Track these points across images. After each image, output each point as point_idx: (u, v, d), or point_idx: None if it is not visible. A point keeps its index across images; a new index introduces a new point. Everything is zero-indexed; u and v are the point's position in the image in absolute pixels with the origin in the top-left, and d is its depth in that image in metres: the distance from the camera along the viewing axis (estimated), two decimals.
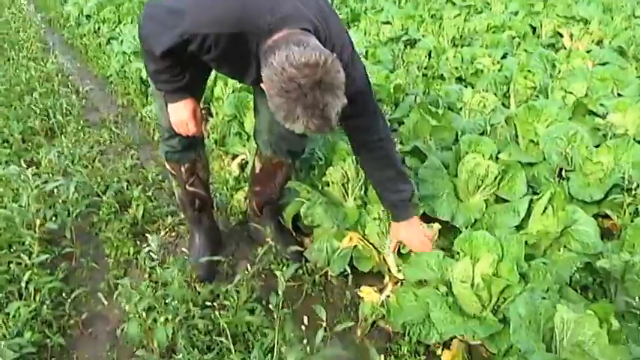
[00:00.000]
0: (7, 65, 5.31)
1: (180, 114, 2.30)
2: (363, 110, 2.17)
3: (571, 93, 4.18)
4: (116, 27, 6.25)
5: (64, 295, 2.55)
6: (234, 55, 1.96)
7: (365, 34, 5.91)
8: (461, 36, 5.96)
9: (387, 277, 2.60)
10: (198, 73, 2.31)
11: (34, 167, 3.45)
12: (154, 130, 4.12)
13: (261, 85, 1.77)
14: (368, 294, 2.55)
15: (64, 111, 4.32)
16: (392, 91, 3.85)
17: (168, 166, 2.65)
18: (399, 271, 2.53)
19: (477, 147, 3.08)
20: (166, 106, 2.34)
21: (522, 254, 2.34)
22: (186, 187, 2.66)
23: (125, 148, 3.98)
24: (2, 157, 3.63)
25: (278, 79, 1.64)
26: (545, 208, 2.73)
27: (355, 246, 2.63)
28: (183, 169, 2.61)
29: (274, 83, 1.66)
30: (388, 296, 2.47)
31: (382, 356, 2.20)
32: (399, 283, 2.52)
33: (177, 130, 2.37)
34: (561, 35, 6.27)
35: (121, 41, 5.54)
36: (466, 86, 4.40)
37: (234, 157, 3.54)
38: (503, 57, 5.21)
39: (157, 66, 2.16)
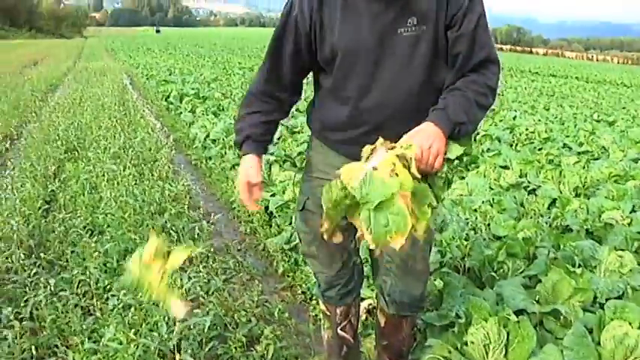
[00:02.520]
0: (143, 184, 5.62)
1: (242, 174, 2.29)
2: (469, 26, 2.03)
3: None
4: None
5: None
6: None
7: (484, 177, 5.92)
8: (583, 185, 5.85)
9: None
10: None
11: None
12: (277, 262, 4.18)
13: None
14: None
15: (195, 236, 4.48)
16: (523, 244, 3.78)
17: (322, 307, 2.65)
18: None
19: (623, 314, 2.92)
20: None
21: None
22: (338, 330, 2.63)
23: (250, 278, 4.03)
24: None
25: None
26: None
27: None
28: (338, 310, 2.59)
29: None
30: None
31: None
32: None
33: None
34: None
35: None
36: (597, 241, 4.26)
37: (361, 300, 3.51)
38: (632, 210, 5.05)
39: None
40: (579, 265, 3.65)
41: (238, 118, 2.32)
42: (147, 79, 16.66)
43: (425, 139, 1.89)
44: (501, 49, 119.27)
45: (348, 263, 2.51)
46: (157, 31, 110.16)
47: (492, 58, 2.10)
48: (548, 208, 5.20)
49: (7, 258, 3.89)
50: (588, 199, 5.40)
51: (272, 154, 6.28)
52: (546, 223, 4.72)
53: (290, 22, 2.13)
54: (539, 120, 11.71)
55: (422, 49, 2.04)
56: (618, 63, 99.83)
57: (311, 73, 2.31)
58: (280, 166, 5.72)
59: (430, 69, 2.08)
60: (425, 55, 2.05)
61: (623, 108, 17.71)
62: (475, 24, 2.03)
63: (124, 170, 5.91)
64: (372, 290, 3.45)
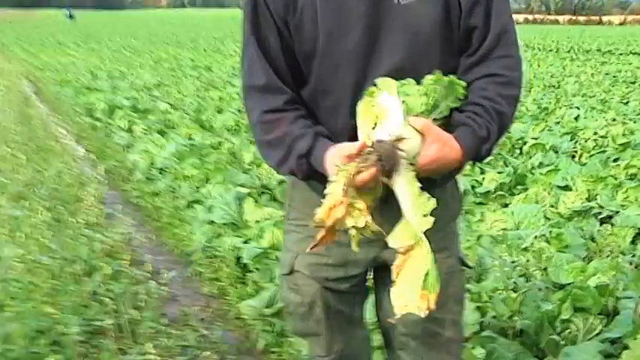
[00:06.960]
0: (61, 235, 5.64)
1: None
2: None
3: None
4: (202, 187, 6.61)
5: None
6: None
7: (536, 203, 5.99)
8: None
9: None
10: None
11: None
12: (256, 334, 4.24)
13: None
14: None
15: (142, 302, 4.50)
16: (597, 294, 3.82)
17: None
18: None
19: None
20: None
21: None
22: None
23: (220, 358, 4.08)
24: None
25: None
26: None
27: None
28: None
29: None
30: None
31: None
32: None
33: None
34: None
35: (210, 207, 5.83)
36: None
37: None
38: None
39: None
40: None
41: (280, 135, 2.12)
42: (60, 86, 16.72)
43: (442, 156, 1.90)
44: (557, 20, 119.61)
45: (353, 340, 2.59)
46: (70, 17, 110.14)
47: (510, 28, 2.13)
48: (632, 243, 5.29)
49: None
50: None
51: (242, 185, 6.32)
52: (630, 263, 4.77)
53: (262, 12, 2.14)
54: (614, 119, 11.75)
55: (428, 22, 2.04)
56: None
57: None
58: (255, 201, 5.77)
59: (442, 50, 2.08)
60: (433, 30, 2.05)
61: None
62: None
63: (32, 217, 5.91)
64: None
